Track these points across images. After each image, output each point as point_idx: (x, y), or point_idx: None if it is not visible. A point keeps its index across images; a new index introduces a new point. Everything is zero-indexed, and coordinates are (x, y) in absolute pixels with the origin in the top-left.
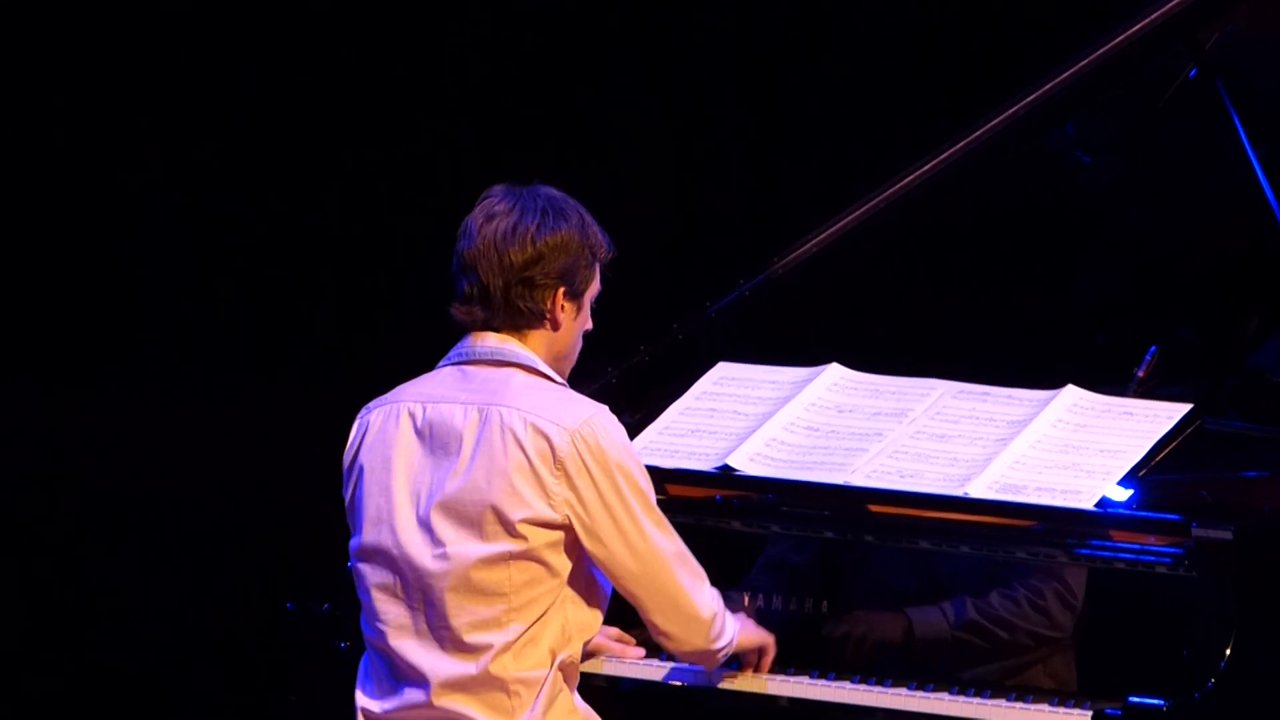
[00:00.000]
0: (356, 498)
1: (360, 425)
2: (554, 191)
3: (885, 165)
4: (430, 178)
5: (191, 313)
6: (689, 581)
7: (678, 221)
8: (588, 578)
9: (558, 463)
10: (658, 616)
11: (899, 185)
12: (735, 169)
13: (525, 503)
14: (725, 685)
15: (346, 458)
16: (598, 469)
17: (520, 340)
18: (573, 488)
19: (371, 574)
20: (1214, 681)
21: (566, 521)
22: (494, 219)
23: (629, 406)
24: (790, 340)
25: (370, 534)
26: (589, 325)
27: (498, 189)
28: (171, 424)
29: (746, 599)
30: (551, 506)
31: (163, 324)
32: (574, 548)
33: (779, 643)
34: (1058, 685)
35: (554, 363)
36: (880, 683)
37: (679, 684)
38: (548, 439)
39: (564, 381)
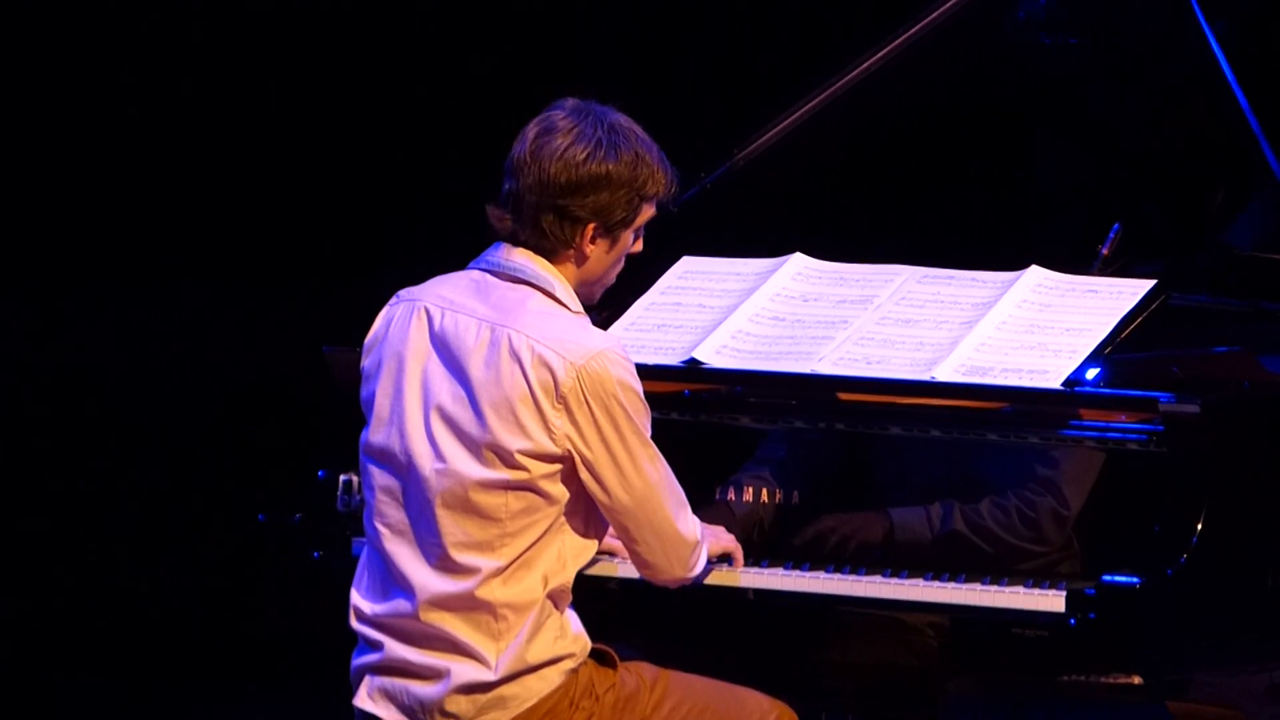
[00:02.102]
0: (371, 393)
1: (386, 316)
2: (621, 120)
3: (843, 52)
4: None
5: (164, 223)
6: (675, 513)
7: (640, 114)
8: (587, 503)
9: (559, 396)
10: (642, 547)
11: (857, 71)
12: (697, 60)
13: (526, 434)
14: (725, 583)
15: (368, 346)
16: (598, 406)
17: (547, 261)
18: (573, 422)
19: (377, 474)
20: (1186, 557)
21: (566, 454)
22: (549, 134)
23: (595, 303)
24: (753, 231)
25: (380, 433)
26: (637, 249)
27: (569, 102)
28: (142, 334)
29: (731, 493)
30: (552, 440)
31: (137, 233)
32: (572, 477)
33: (760, 536)
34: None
35: (580, 286)
36: (854, 571)
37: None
38: (551, 371)
39: (580, 310)
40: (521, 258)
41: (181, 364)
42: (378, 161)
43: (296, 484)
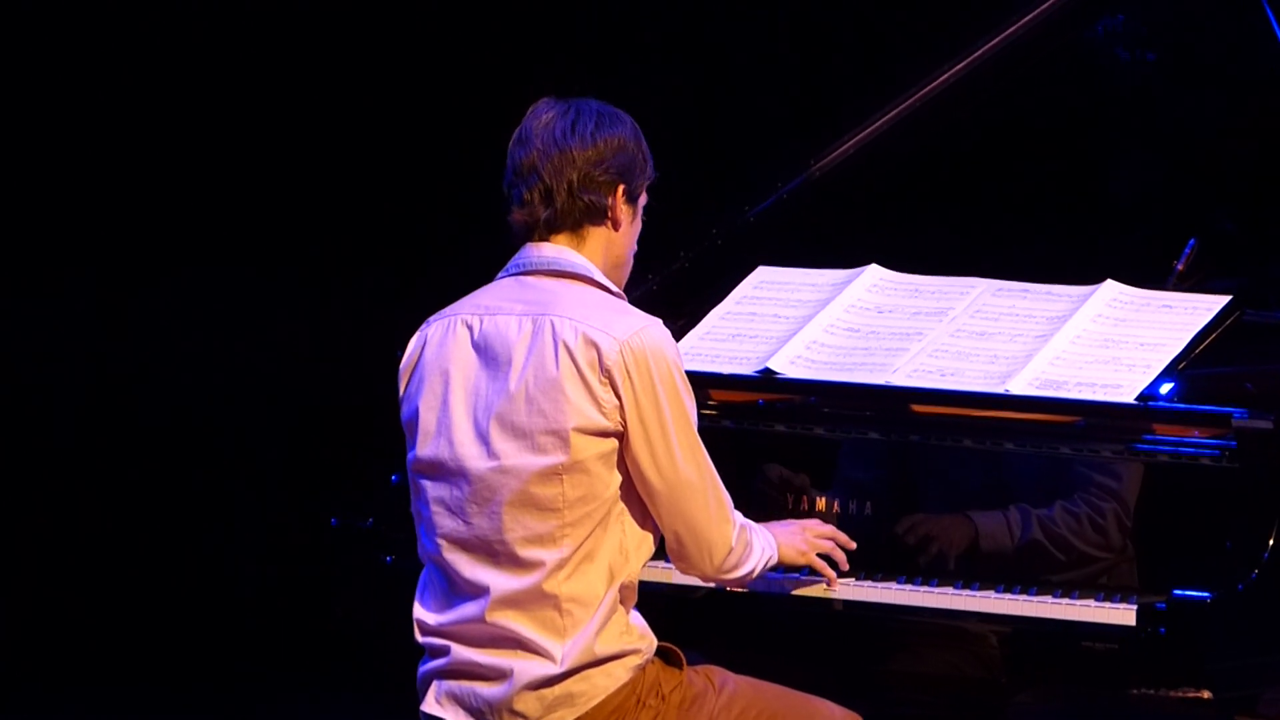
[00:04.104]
0: (414, 410)
1: (420, 338)
2: (603, 102)
3: (921, 63)
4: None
5: (239, 221)
6: (711, 512)
7: (714, 125)
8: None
9: (604, 370)
10: (670, 535)
11: (934, 84)
12: (771, 70)
13: (576, 410)
14: (796, 592)
15: (404, 370)
16: (640, 381)
17: (579, 245)
18: (618, 395)
19: (430, 487)
20: (1257, 573)
21: (619, 429)
22: (550, 123)
23: (670, 312)
24: (829, 242)
25: (428, 447)
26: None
27: (546, 100)
28: (216, 335)
29: (805, 503)
30: (603, 414)
31: (210, 231)
32: (624, 461)
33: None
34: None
35: (610, 270)
36: (926, 582)
37: (744, 590)
38: (597, 348)
39: (620, 292)
40: (553, 250)
41: (257, 367)
42: (458, 165)
43: (369, 489)
